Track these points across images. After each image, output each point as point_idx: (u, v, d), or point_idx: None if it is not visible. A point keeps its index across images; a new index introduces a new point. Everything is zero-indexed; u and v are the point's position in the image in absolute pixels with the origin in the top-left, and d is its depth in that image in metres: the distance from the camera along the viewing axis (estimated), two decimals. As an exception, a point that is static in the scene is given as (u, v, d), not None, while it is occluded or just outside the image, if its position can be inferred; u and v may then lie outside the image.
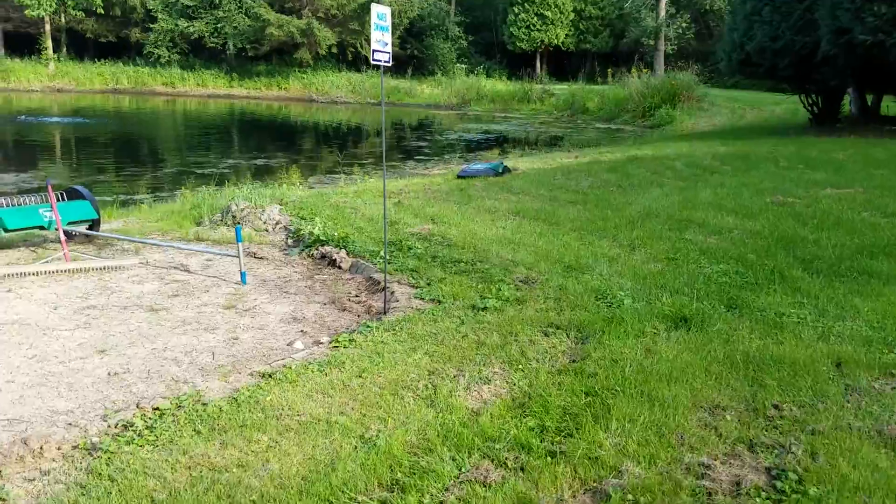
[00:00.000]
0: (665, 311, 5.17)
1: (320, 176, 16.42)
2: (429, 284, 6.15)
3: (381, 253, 7.13)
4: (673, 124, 28.17)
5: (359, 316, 5.80)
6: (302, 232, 8.12)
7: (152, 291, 6.35)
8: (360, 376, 4.30)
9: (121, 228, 9.08)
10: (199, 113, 35.89)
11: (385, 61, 5.46)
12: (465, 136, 27.05)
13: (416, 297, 5.84)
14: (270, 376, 4.35)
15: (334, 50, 44.61)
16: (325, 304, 6.08)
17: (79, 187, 8.38)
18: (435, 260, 6.86)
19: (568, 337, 4.86)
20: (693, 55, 42.32)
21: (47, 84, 40.64)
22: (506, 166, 13.04)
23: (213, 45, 43.66)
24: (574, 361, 4.48)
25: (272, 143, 25.14)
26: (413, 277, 6.36)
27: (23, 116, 25.93)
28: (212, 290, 6.39)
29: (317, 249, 7.52)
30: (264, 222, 8.93)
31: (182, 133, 26.50)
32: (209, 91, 42.56)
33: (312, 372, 4.38)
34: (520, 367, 4.39)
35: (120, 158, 19.01)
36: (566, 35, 49.04)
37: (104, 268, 6.96)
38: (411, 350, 4.68)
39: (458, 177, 12.50)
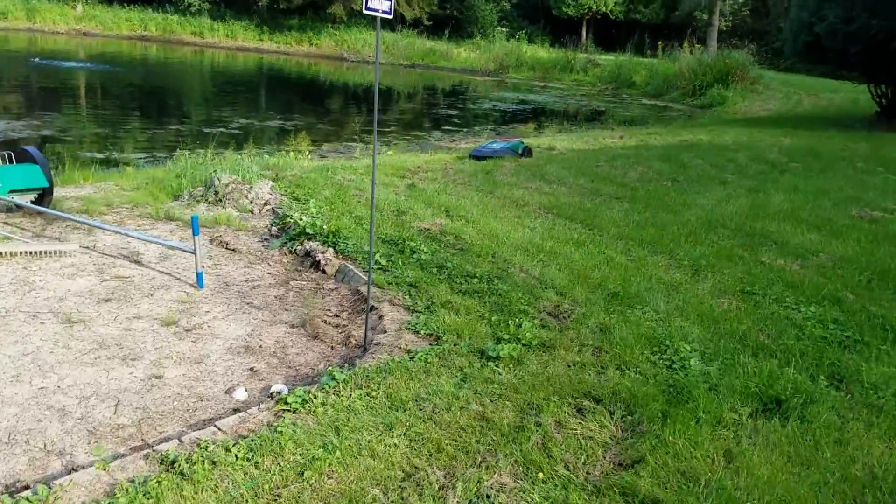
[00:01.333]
0: (749, 384, 3.69)
1: (337, 144, 14.97)
2: (429, 308, 4.71)
3: (378, 255, 5.69)
4: (724, 105, 26.22)
5: (332, 348, 4.39)
6: (288, 219, 6.70)
7: (81, 291, 4.98)
8: (301, 477, 2.89)
9: (87, 196, 7.73)
10: (225, 66, 34.52)
11: (383, 11, 3.97)
12: (499, 106, 25.38)
13: (408, 329, 4.40)
14: (172, 465, 2.95)
15: (371, 7, 42.75)
16: (293, 327, 4.67)
17: (30, 148, 7.00)
18: (442, 271, 5.42)
19: (612, 419, 3.40)
20: (748, 34, 39.96)
21: (73, 27, 39.39)
22: (526, 146, 11.48)
23: (246, -5, 42.13)
24: (622, 467, 3.04)
25: (296, 103, 23.71)
26: (410, 296, 4.92)
27: (36, 59, 24.70)
28: (157, 294, 5.01)
29: (301, 245, 6.11)
30: (251, 201, 7.53)
31: (203, 87, 25.16)
32: (238, 44, 41.05)
33: (235, 460, 2.98)
34: (540, 474, 2.96)
35: (130, 111, 17.71)
36: (615, 3, 46.69)
37: (35, 253, 5.61)
38: (386, 428, 3.26)
39: (472, 156, 11.00)
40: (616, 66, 34.77)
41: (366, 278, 5.28)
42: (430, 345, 4.14)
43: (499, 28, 45.59)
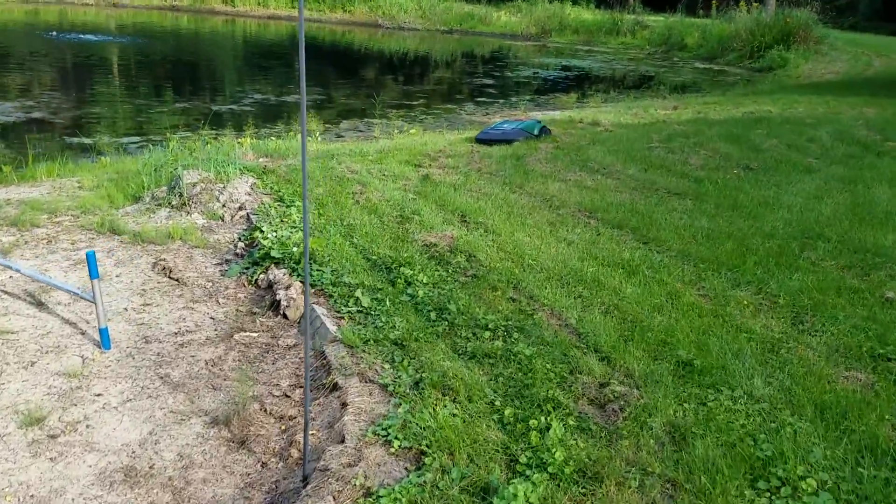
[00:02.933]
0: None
1: (356, 121, 13.50)
2: (416, 389, 3.25)
3: (361, 292, 4.25)
4: (786, 68, 24.00)
5: (263, 465, 2.97)
6: (257, 233, 5.28)
7: (-51, 353, 3.65)
8: None
9: (33, 199, 6.43)
10: (257, 36, 33.20)
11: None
12: (540, 73, 23.56)
13: (378, 434, 2.94)
14: None
15: (406, -30, 40.93)
16: (214, 423, 3.25)
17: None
18: (443, 317, 3.95)
19: None
20: (809, -11, 37.11)
21: (103, -2, 38.46)
22: (544, 126, 9.82)
23: (276, -39, 40.58)
24: None
25: (326, 74, 22.23)
26: (393, 364, 3.47)
27: (53, 33, 23.62)
28: (41, 363, 3.64)
29: (264, 273, 4.69)
30: (223, 205, 6.14)
31: (228, 58, 23.83)
32: (270, 12, 39.63)
33: None
34: None
35: (138, 87, 16.46)
36: (663, -39, 43.91)
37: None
38: None
39: (477, 140, 9.39)
40: (666, 28, 32.48)
41: (338, 327, 3.83)
42: (407, 471, 2.68)
43: (541, -11, 43.27)
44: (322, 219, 5.75)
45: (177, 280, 4.68)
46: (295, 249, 4.71)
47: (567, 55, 30.51)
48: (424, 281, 4.42)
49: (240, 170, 7.00)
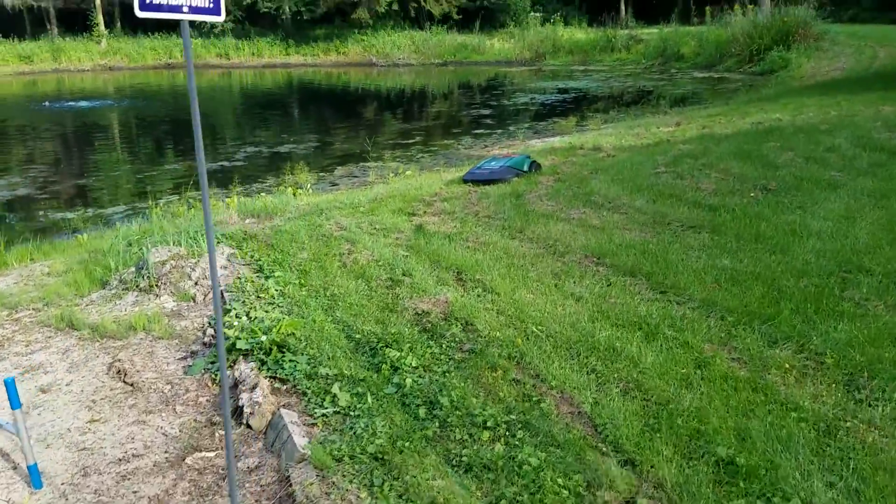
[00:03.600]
0: None
1: (352, 166, 13.02)
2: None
3: (339, 386, 3.68)
4: (789, 69, 23.42)
5: None
6: (224, 319, 4.73)
7: None
8: None
9: (-2, 292, 5.95)
10: (253, 86, 33.08)
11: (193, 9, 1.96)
12: (537, 98, 23.12)
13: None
14: None
15: (395, 6, 40.82)
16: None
17: None
18: (434, 413, 3.38)
19: None
20: (803, -14, 36.62)
21: (98, 62, 38.51)
22: (534, 162, 9.17)
23: (266, 9, 40.56)
24: None
25: (324, 117, 21.90)
26: (370, 491, 2.89)
27: (46, 103, 23.47)
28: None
29: (230, 368, 4.12)
30: (195, 283, 5.61)
31: (223, 112, 23.56)
32: (265, 61, 39.61)
33: None
34: None
35: (125, 151, 16.12)
36: (653, -27, 43.67)
37: None
38: None
39: (464, 181, 8.82)
40: (661, 40, 32.07)
41: (309, 439, 3.26)
42: None
43: (532, 13, 43.05)
44: (304, 290, 5.21)
45: (132, 385, 4.13)
46: (265, 338, 4.15)
47: (563, 77, 30.13)
48: (414, 364, 3.85)
49: (217, 239, 6.49)
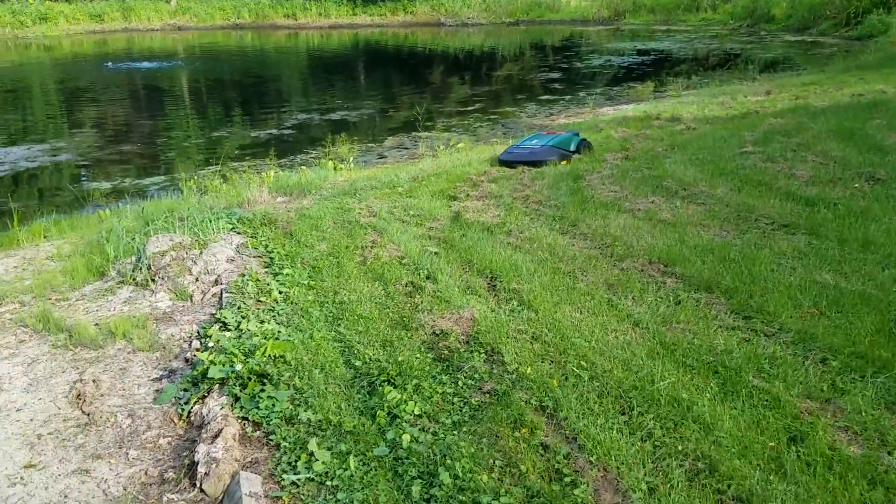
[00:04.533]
0: None
1: (403, 136, 12.16)
2: None
3: (317, 443, 2.87)
4: (888, 34, 21.25)
5: None
6: (209, 332, 3.97)
7: None
8: None
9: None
10: (320, 47, 32.44)
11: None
12: (613, 60, 21.71)
13: None
14: None
15: (468, -37, 39.41)
16: None
17: None
18: (429, 493, 2.56)
19: None
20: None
21: (168, 21, 38.51)
22: (583, 140, 7.98)
23: (336, -32, 39.81)
24: None
25: (388, 81, 21.09)
26: None
27: (109, 63, 23.31)
28: None
29: (200, 402, 3.36)
30: (196, 279, 4.88)
31: (286, 74, 22.98)
32: (332, 21, 38.88)
33: None
34: None
35: (178, 117, 15.63)
36: (743, -74, 40.89)
37: None
38: None
39: (501, 162, 7.76)
40: (750, -1, 29.90)
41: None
42: None
43: (611, -31, 40.95)
44: (311, 294, 4.42)
45: (88, 415, 3.42)
46: (241, 367, 3.37)
47: (643, 37, 28.41)
48: (416, 412, 3.01)
49: (231, 224, 5.76)
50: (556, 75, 19.26)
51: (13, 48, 31.25)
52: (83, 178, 10.19)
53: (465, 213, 5.88)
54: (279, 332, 3.87)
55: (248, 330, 3.89)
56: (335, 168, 9.17)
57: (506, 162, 7.63)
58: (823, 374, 3.07)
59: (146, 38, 35.94)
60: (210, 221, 5.58)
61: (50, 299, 4.91)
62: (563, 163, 7.43)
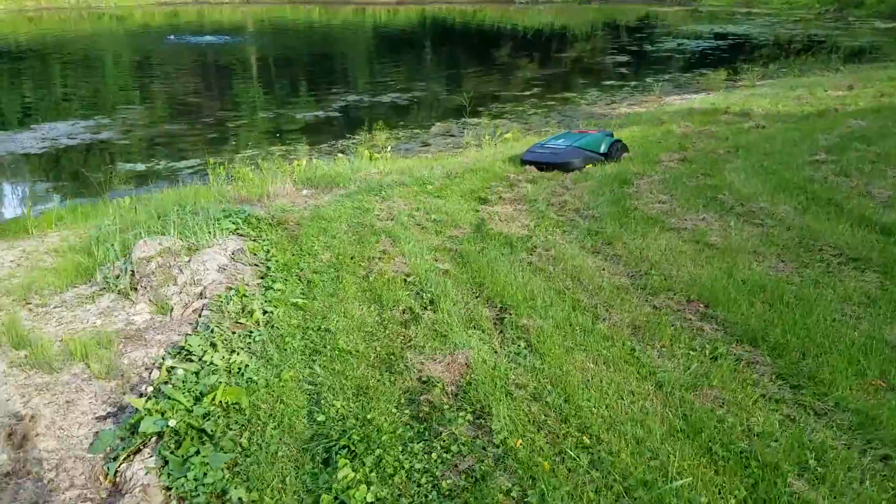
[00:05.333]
0: None
1: (450, 123, 11.55)
2: None
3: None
4: None
5: None
6: (163, 365, 3.50)
7: None
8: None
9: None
10: (386, 23, 31.97)
11: None
12: (687, 44, 20.57)
13: None
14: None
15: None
16: None
17: None
18: None
19: None
20: None
21: (238, -6, 38.76)
22: (616, 141, 7.10)
23: (407, -58, 39.14)
24: None
25: (453, 60, 20.48)
26: None
27: (171, 36, 23.30)
28: None
29: (129, 460, 2.88)
30: (181, 289, 4.43)
31: (344, 52, 22.58)
32: (400, -3, 38.44)
33: None
34: None
35: (232, 96, 15.37)
36: None
37: None
38: None
39: (523, 162, 7.05)
40: (841, -20, 28.05)
41: None
42: None
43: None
44: (297, 317, 3.92)
45: (13, 462, 2.99)
46: (177, 421, 2.87)
47: (722, 20, 27.02)
48: (368, 500, 2.46)
49: (234, 225, 5.30)
50: (624, 58, 18.30)
51: (86, 17, 31.71)
52: (118, 160, 9.94)
53: (491, 221, 5.29)
54: (246, 366, 3.38)
55: (212, 363, 3.41)
56: (371, 158, 8.67)
57: (529, 162, 6.95)
58: (884, 480, 2.40)
59: (216, 11, 36.12)
60: (212, 222, 5.12)
61: (30, 304, 4.54)
62: (589, 166, 6.71)
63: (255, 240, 5.16)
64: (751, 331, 3.36)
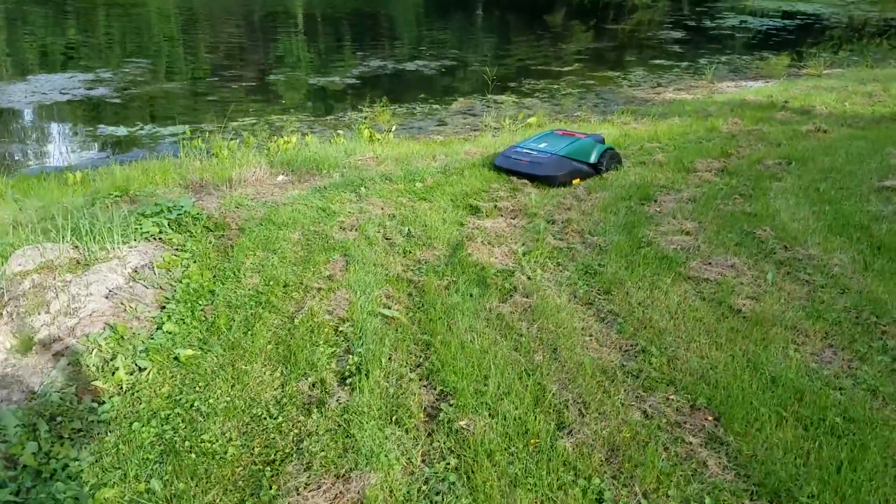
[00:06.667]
0: None
1: (474, 99, 10.44)
2: None
3: None
4: None
5: None
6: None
7: None
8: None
9: None
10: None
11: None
12: (750, 22, 18.96)
13: None
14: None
15: None
16: None
17: None
18: None
19: None
20: None
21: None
22: (609, 148, 5.79)
23: None
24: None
25: (504, 26, 19.22)
26: None
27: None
28: None
29: None
30: (53, 318, 3.53)
31: (390, 9, 21.42)
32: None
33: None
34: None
35: (246, 53, 14.43)
36: None
37: None
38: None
39: (495, 167, 5.81)
40: (928, -43, 25.77)
41: None
42: None
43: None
44: (170, 381, 3.00)
45: None
46: None
47: (790, -4, 25.07)
48: None
49: (158, 228, 4.37)
50: (679, 34, 16.85)
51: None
52: (103, 121, 9.10)
53: (473, 243, 4.28)
54: (53, 473, 2.47)
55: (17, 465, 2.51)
56: (371, 138, 7.68)
57: (502, 169, 5.73)
58: None
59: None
60: (127, 222, 4.20)
61: None
62: (576, 181, 5.54)
63: (177, 250, 4.23)
64: (774, 479, 2.32)
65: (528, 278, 3.85)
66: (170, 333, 3.31)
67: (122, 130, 8.62)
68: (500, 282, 3.79)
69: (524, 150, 5.72)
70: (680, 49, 14.97)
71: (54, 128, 8.84)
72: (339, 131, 8.32)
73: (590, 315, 3.44)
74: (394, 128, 8.08)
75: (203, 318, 3.47)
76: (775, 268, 3.83)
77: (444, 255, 4.21)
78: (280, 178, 6.23)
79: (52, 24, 16.02)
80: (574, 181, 5.48)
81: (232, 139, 7.51)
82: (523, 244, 4.36)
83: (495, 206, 5.06)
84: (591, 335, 3.25)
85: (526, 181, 5.53)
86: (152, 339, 3.28)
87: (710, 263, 3.91)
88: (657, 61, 13.53)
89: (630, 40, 16.66)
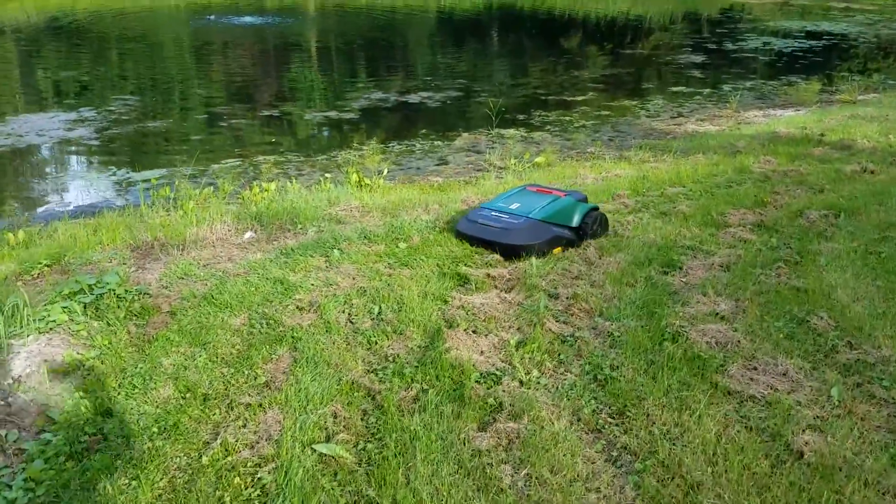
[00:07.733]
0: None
1: (481, 134, 9.62)
2: None
3: None
4: None
5: None
6: None
7: None
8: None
9: None
10: (451, 7, 30.03)
11: None
12: (774, 44, 18.07)
13: None
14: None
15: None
16: None
17: None
18: None
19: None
20: None
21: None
22: (594, 209, 4.76)
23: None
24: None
25: (518, 51, 18.52)
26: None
27: (211, 17, 21.87)
28: None
29: None
30: None
31: (400, 39, 20.81)
32: (466, -22, 36.38)
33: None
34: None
35: (241, 87, 13.77)
36: None
37: None
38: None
39: (457, 234, 4.77)
40: (960, -26, 24.91)
41: None
42: None
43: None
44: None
45: None
46: None
47: (815, 15, 24.24)
48: None
49: (67, 313, 3.56)
50: (699, 58, 15.99)
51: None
52: (74, 165, 8.39)
53: (455, 332, 3.43)
54: None
55: None
56: (359, 183, 6.88)
57: (463, 235, 4.74)
58: None
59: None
60: (29, 308, 3.39)
61: None
62: (557, 251, 4.56)
63: (83, 346, 3.40)
64: None
65: (521, 384, 2.99)
66: (29, 489, 2.47)
67: (92, 175, 7.89)
68: (483, 393, 2.93)
69: (493, 213, 4.71)
70: (701, 74, 14.11)
71: (15, 177, 8.12)
72: (327, 174, 7.55)
73: (597, 452, 2.56)
74: (385, 171, 7.26)
75: (81, 457, 2.63)
76: (840, 376, 2.93)
77: (418, 346, 3.36)
78: (247, 235, 5.43)
79: (22, 62, 15.51)
80: (555, 251, 4.53)
81: (206, 186, 6.74)
82: (518, 330, 3.50)
83: (488, 275, 4.21)
84: (597, 490, 2.37)
85: (496, 253, 4.55)
86: (5, 497, 2.43)
87: (755, 368, 3.02)
88: (677, 88, 12.68)
89: (648, 65, 15.84)
